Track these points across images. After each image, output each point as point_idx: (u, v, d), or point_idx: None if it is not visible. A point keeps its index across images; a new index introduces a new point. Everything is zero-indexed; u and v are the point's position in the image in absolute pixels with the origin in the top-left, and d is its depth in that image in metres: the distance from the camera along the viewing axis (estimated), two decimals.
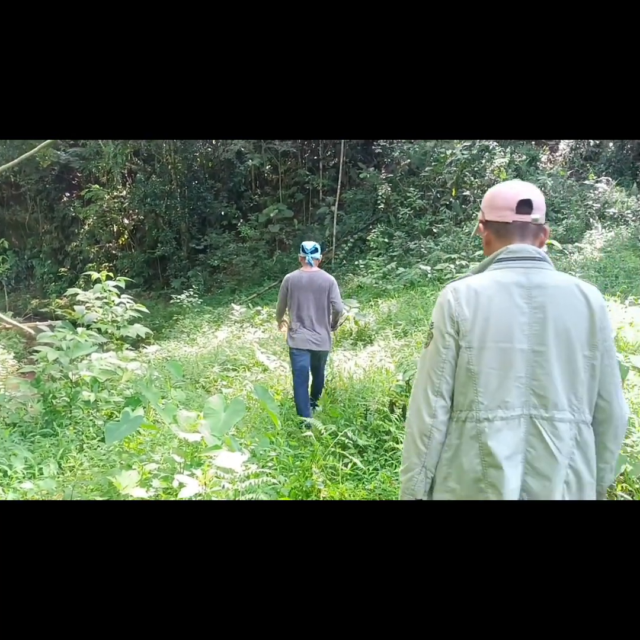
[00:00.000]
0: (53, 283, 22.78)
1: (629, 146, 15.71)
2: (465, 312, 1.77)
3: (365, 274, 14.53)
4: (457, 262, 10.83)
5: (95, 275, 7.40)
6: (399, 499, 2.03)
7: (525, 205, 1.85)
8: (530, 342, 1.74)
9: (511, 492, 1.78)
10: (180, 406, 5.47)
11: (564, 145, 17.31)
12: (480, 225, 2.01)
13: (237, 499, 3.19)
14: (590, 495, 1.84)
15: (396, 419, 4.38)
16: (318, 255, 5.61)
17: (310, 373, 5.36)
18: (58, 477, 4.35)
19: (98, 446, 4.90)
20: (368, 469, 4.06)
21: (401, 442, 3.97)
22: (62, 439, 5.07)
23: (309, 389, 5.38)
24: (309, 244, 5.66)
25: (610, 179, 14.37)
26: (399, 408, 4.57)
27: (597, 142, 16.54)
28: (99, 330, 6.74)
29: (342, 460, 4.00)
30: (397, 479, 3.70)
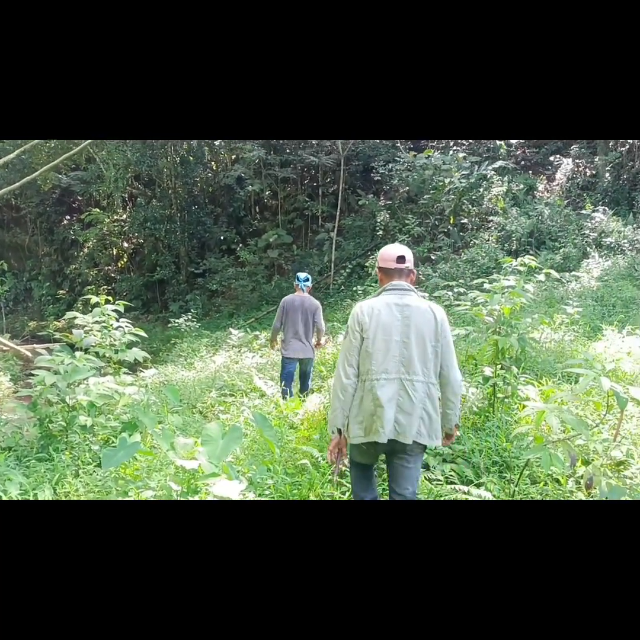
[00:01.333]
0: (51, 305, 22.79)
1: (625, 177, 15.89)
2: (365, 319, 3.01)
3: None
4: (455, 289, 10.84)
5: (94, 299, 7.40)
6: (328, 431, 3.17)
7: (401, 259, 3.12)
8: (401, 336, 2.97)
9: (388, 421, 2.91)
10: (177, 432, 5.45)
11: (560, 174, 17.49)
12: (377, 269, 3.27)
13: None
14: (437, 428, 3.00)
15: None
16: (309, 283, 6.92)
17: (299, 380, 6.91)
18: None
19: (94, 471, 4.85)
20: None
21: None
22: (57, 464, 5.02)
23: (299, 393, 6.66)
24: (302, 275, 6.99)
25: (606, 208, 14.50)
26: None
27: (594, 172, 16.73)
28: (96, 354, 6.72)
29: (340, 489, 3.97)
30: None
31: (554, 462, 3.08)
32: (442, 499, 3.52)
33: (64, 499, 4.36)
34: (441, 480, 3.82)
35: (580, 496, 3.54)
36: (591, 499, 3.36)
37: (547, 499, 3.59)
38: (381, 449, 3.02)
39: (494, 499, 3.36)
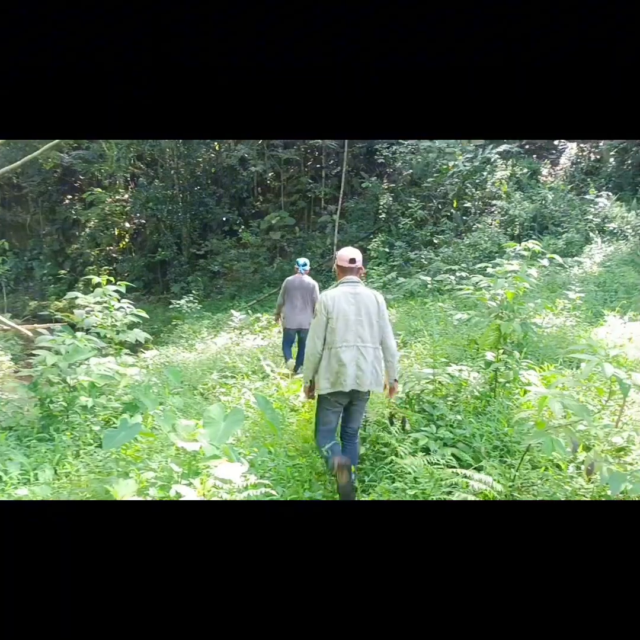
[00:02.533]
0: (52, 285, 22.73)
1: (629, 162, 15.76)
2: (329, 304, 4.03)
3: (366, 283, 14.51)
4: (458, 273, 10.81)
5: (95, 279, 7.38)
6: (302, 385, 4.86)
7: (352, 260, 4.19)
8: (354, 316, 4.02)
9: (350, 377, 3.96)
10: (179, 413, 5.45)
11: (565, 159, 17.36)
12: (336, 266, 4.31)
13: None
14: (381, 380, 4.13)
15: (396, 431, 4.36)
16: (307, 268, 8.19)
17: (297, 346, 7.99)
18: (53, 483, 4.32)
19: (94, 452, 4.86)
20: (365, 480, 4.05)
21: (400, 456, 3.95)
22: (58, 445, 5.04)
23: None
24: (301, 260, 8.29)
25: (610, 193, 14.39)
26: (399, 420, 4.55)
27: (598, 156, 16.59)
28: (98, 334, 6.72)
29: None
30: (395, 493, 3.69)
31: (555, 447, 3.08)
32: (442, 482, 3.52)
33: (64, 479, 4.38)
34: (442, 465, 3.82)
35: (581, 481, 3.54)
36: (589, 499, 3.41)
37: (548, 484, 3.59)
38: (343, 397, 4.08)
39: (495, 483, 3.36)
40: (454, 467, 3.75)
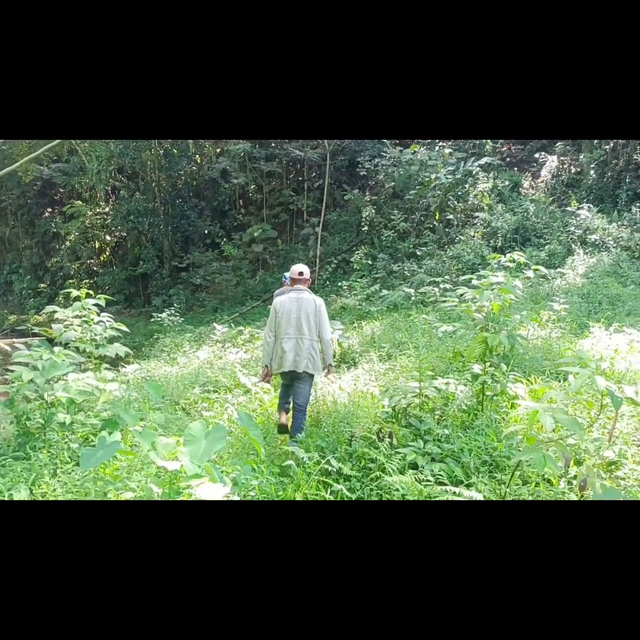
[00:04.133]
0: (32, 299, 22.43)
1: (609, 174, 15.93)
2: (278, 306, 5.48)
3: (349, 296, 14.48)
4: (442, 285, 10.79)
5: (74, 292, 7.24)
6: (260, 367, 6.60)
7: (300, 274, 5.66)
8: (296, 314, 5.38)
9: (288, 361, 5.34)
10: (160, 429, 5.32)
11: (545, 171, 17.51)
12: (289, 278, 5.92)
13: None
14: (318, 365, 5.47)
15: (384, 447, 4.26)
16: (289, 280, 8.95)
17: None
18: None
19: (72, 471, 4.71)
20: (352, 498, 3.94)
21: (388, 474, 3.85)
22: (34, 463, 4.87)
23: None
24: (287, 274, 8.66)
25: (591, 205, 14.52)
26: (386, 435, 4.46)
27: (579, 169, 16.76)
28: (77, 349, 6.57)
29: (328, 489, 3.87)
30: None
31: (547, 463, 3.00)
32: (432, 499, 3.43)
33: (40, 499, 4.22)
34: (431, 481, 3.73)
35: (573, 497, 3.47)
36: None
37: (539, 500, 3.51)
38: (287, 375, 5.51)
39: (485, 499, 3.27)
40: (445, 484, 3.66)
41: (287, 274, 8.36)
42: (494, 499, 3.49)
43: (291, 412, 5.58)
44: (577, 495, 3.45)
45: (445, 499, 3.38)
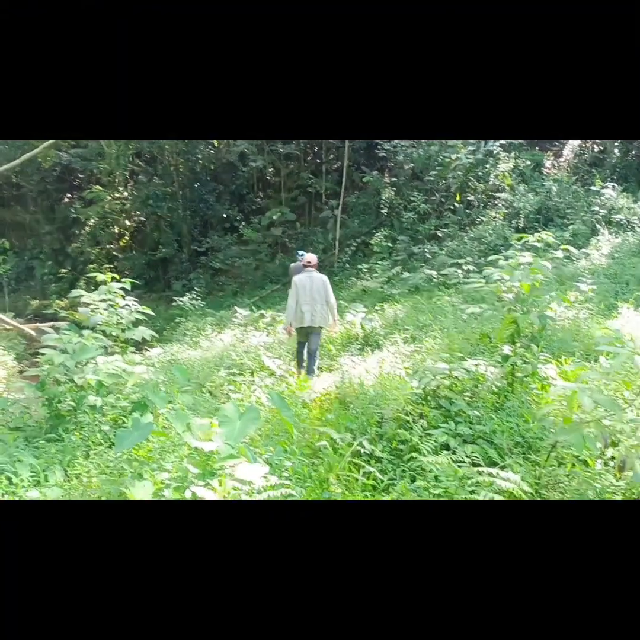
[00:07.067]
0: (53, 284, 22.57)
1: (633, 152, 15.64)
2: (298, 282, 7.55)
3: (369, 278, 14.42)
4: (465, 267, 10.70)
5: (100, 276, 7.28)
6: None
7: (308, 262, 7.93)
8: (309, 287, 7.50)
9: (307, 319, 7.46)
10: (189, 411, 5.35)
11: (568, 150, 17.24)
12: (303, 256, 8.72)
13: None
14: (327, 321, 7.64)
15: (418, 428, 4.25)
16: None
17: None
18: (65, 485, 4.22)
19: (105, 453, 4.76)
20: (385, 478, 3.94)
21: (423, 454, 3.84)
22: (67, 445, 4.94)
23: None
24: (302, 252, 10.26)
25: (616, 185, 14.27)
26: (423, 418, 4.44)
27: (602, 148, 16.47)
28: (103, 332, 6.62)
29: (360, 471, 3.88)
30: (416, 491, 3.59)
31: (587, 443, 2.97)
32: (468, 481, 3.41)
33: (75, 480, 4.28)
34: (466, 463, 3.71)
35: (610, 478, 3.43)
36: (620, 499, 3.34)
37: (575, 481, 3.48)
38: (303, 330, 7.49)
39: (521, 481, 3.25)
40: (479, 465, 3.64)
41: (301, 252, 10.42)
42: (530, 480, 3.47)
43: (305, 362, 7.64)
44: (615, 476, 3.42)
45: (478, 485, 3.37)
